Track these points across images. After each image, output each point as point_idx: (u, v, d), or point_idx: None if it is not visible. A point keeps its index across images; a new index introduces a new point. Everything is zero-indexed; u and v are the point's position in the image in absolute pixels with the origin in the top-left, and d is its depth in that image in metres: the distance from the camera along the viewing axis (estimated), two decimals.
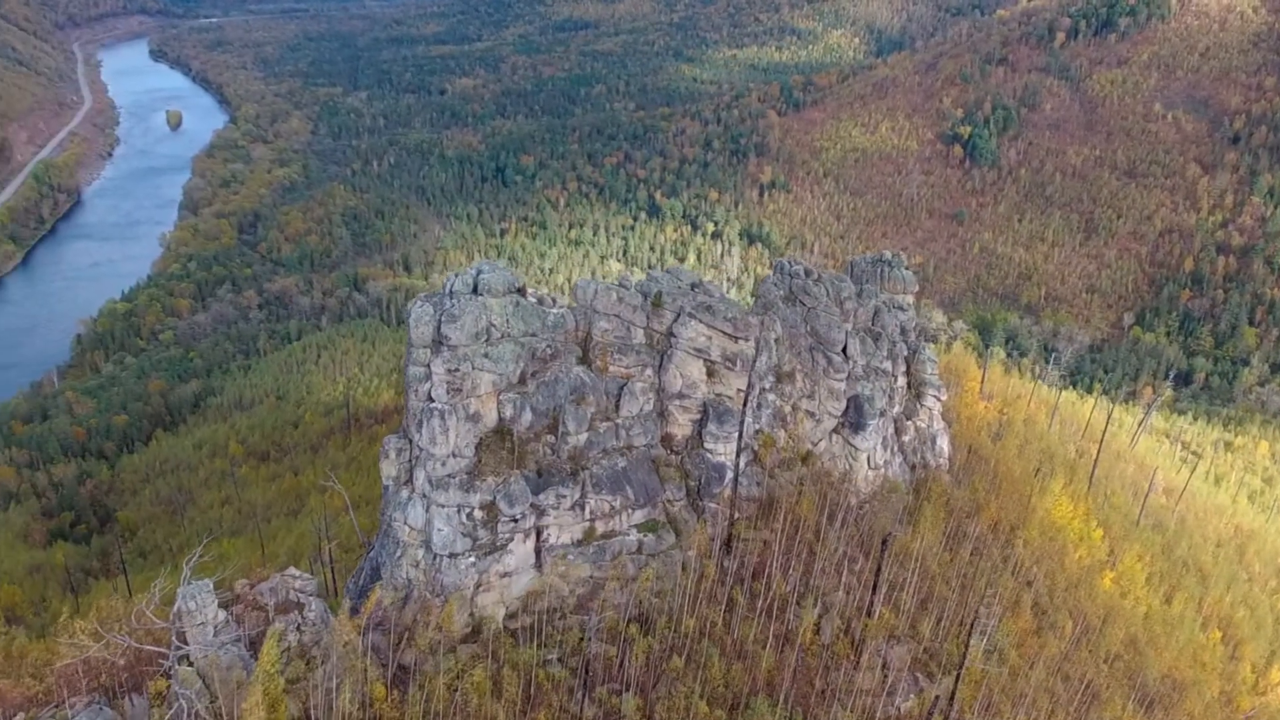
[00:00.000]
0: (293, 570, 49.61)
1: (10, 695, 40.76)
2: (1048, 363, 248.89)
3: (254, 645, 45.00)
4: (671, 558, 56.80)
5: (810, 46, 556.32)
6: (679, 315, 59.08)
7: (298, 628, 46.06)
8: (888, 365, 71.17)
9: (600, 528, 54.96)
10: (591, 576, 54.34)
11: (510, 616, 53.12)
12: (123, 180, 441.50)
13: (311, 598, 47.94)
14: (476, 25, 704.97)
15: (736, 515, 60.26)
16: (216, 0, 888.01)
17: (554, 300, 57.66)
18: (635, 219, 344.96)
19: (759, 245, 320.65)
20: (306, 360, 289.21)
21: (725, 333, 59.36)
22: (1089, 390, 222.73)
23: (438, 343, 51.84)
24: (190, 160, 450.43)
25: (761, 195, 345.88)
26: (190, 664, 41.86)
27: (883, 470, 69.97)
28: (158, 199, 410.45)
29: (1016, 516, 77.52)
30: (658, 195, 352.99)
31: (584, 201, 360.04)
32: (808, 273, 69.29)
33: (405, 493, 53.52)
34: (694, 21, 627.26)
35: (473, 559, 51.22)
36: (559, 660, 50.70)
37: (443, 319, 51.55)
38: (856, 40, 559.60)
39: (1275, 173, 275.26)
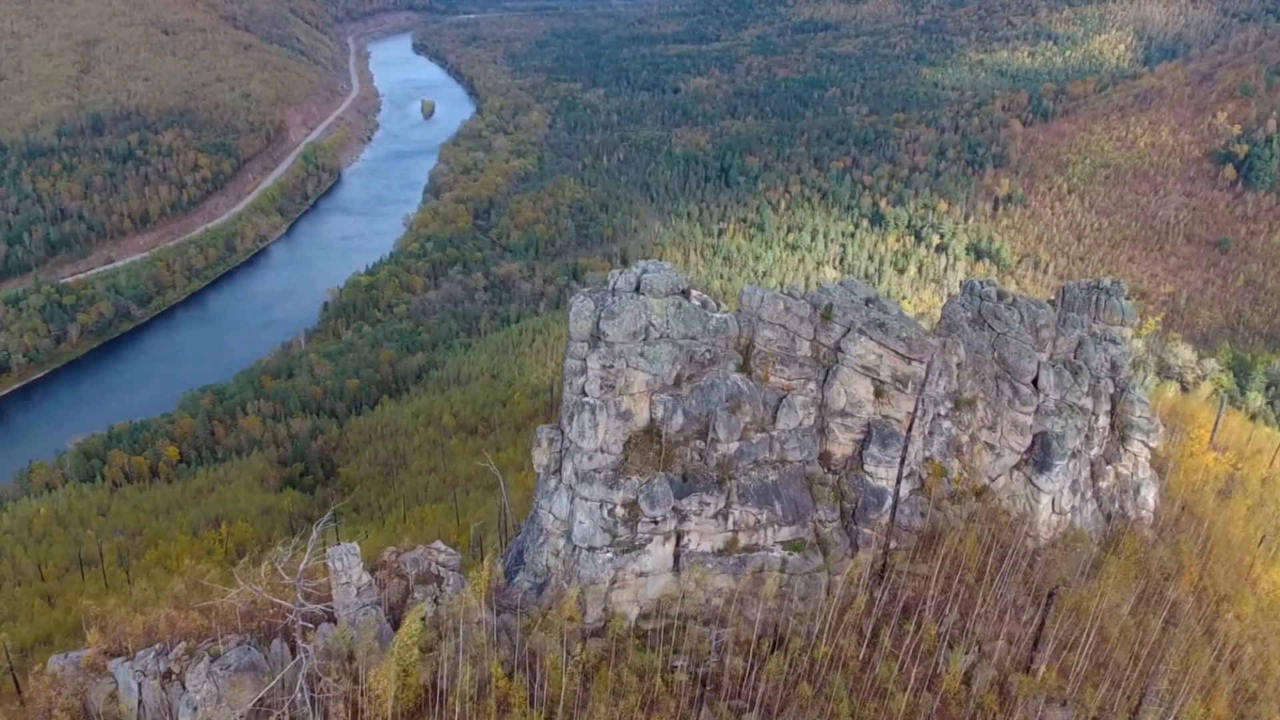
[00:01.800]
0: (438, 544, 51.98)
1: (179, 625, 45.22)
2: None
3: (393, 610, 47.49)
4: (816, 580, 54.91)
5: (1068, 52, 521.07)
6: (849, 330, 56.91)
7: (434, 599, 48.17)
8: (1087, 402, 65.48)
9: (743, 540, 53.94)
10: (729, 588, 53.45)
11: (643, 617, 53.19)
12: (377, 162, 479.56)
13: (451, 572, 50.02)
14: (716, 25, 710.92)
15: (893, 545, 57.45)
16: None
17: (718, 304, 57.05)
18: (856, 226, 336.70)
19: (987, 261, 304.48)
20: (521, 343, 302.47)
21: (898, 353, 56.57)
22: None
23: (595, 338, 52.60)
24: (438, 147, 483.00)
25: (995, 209, 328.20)
26: (328, 620, 44.84)
27: (1069, 516, 64.49)
28: (405, 181, 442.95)
29: (1230, 586, 69.31)
30: (883, 203, 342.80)
31: (805, 205, 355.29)
32: (1000, 295, 64.86)
33: (553, 482, 54.77)
34: (941, 24, 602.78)
35: (610, 554, 51.66)
36: (685, 668, 50.25)
37: (602, 315, 52.24)
38: (1122, 47, 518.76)
39: None
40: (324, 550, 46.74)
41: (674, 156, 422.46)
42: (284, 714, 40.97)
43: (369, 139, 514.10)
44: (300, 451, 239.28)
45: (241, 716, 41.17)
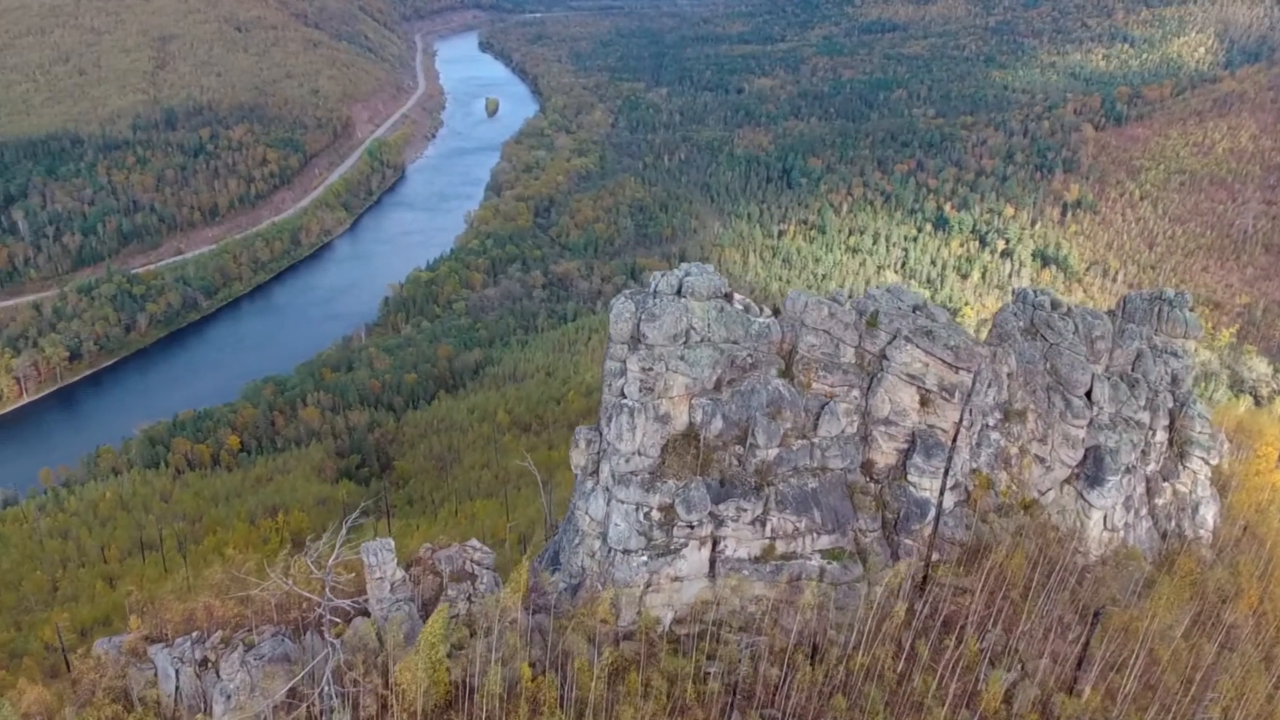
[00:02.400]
0: (474, 542, 52.35)
1: (217, 613, 46.21)
2: None
3: (426, 607, 47.91)
4: (855, 590, 54.12)
5: (1144, 55, 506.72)
6: (895, 337, 55.99)
7: (468, 597, 48.54)
8: (1144, 416, 63.57)
9: (780, 547, 53.39)
10: (765, 596, 52.95)
11: (678, 622, 52.98)
12: (441, 159, 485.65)
13: (485, 570, 50.34)
14: (782, 25, 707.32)
15: (936, 557, 56.38)
16: None
17: (761, 309, 56.52)
18: (919, 230, 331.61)
19: (1053, 268, 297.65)
20: (577, 341, 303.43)
21: (945, 361, 55.50)
22: None
23: (635, 340, 52.48)
24: (500, 145, 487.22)
25: (1064, 215, 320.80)
26: (362, 614, 45.42)
27: (1121, 533, 62.68)
28: (468, 178, 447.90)
29: None
30: (947, 207, 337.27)
31: (868, 208, 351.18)
32: (1054, 305, 63.29)
33: (590, 484, 54.81)
34: (1012, 25, 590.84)
35: (645, 558, 51.53)
36: (718, 675, 49.90)
37: (642, 317, 52.11)
38: (1202, 50, 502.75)
39: None
40: (358, 545, 47.36)
41: (736, 157, 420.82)
42: (314, 705, 41.62)
43: (433, 136, 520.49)
44: (357, 444, 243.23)
45: (273, 706, 41.92)
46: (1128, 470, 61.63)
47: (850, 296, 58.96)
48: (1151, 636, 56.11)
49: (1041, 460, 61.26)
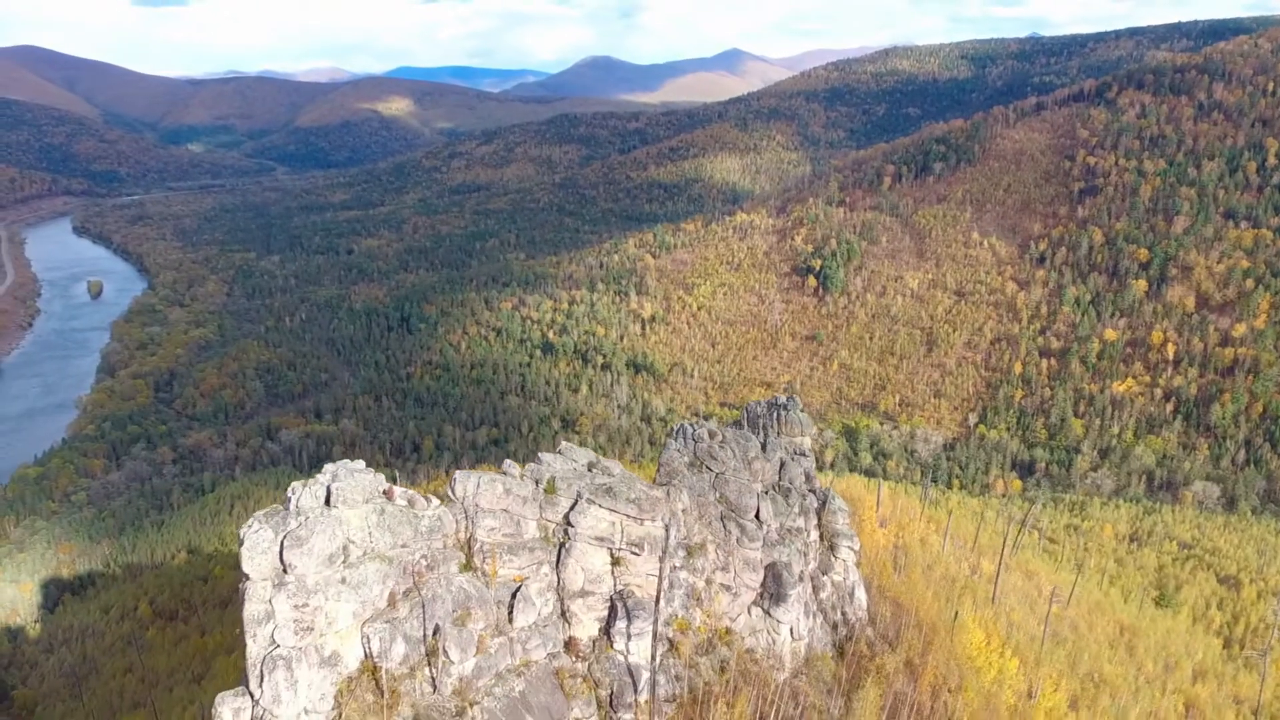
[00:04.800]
0: None
1: None
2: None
3: None
4: None
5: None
6: (576, 501, 45.67)
7: None
8: (800, 522, 58.87)
9: None
10: None
11: None
12: (41, 349, 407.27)
13: None
14: (379, 192, 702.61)
15: None
16: (139, 180, 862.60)
17: (428, 499, 43.35)
18: (531, 356, 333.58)
19: (644, 374, 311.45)
20: (220, 511, 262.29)
21: (629, 516, 46.10)
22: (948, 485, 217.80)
23: (281, 573, 36.86)
24: (110, 324, 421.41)
25: (643, 329, 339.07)
26: None
27: (806, 639, 56.72)
28: (76, 366, 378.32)
29: (951, 672, 64.78)
30: (550, 334, 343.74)
31: (483, 343, 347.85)
32: (712, 434, 57.20)
33: None
34: (574, 181, 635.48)
35: None
36: None
37: (286, 543, 36.74)
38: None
39: (1078, 285, 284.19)
40: None
41: (355, 311, 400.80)
42: None
43: (29, 325, 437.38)
44: None
45: None
46: (801, 579, 56.11)
47: (523, 464, 47.86)
48: None
49: (728, 588, 53.68)
